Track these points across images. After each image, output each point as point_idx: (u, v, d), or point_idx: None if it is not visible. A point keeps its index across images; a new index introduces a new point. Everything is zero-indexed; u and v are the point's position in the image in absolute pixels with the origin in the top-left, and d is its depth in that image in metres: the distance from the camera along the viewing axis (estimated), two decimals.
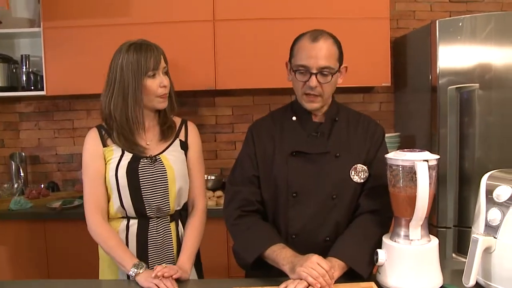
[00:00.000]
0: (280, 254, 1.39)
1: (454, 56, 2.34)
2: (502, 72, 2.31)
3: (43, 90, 2.77)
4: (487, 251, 1.31)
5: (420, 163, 1.30)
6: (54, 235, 2.57)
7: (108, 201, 1.63)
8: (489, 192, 1.36)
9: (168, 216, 1.66)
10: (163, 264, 1.50)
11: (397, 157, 1.36)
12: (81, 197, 2.69)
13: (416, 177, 1.32)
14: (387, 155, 1.40)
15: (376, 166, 1.52)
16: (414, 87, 2.75)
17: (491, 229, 1.32)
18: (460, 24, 2.32)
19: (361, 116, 1.61)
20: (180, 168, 1.66)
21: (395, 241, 1.39)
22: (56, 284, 1.53)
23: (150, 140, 1.66)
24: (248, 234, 1.48)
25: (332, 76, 1.46)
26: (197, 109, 3.16)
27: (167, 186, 1.62)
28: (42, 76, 2.79)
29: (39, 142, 3.14)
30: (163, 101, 1.62)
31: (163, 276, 1.40)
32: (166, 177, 1.62)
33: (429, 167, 1.31)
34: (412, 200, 1.33)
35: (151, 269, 1.50)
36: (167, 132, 1.68)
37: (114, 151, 1.61)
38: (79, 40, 2.71)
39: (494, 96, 2.32)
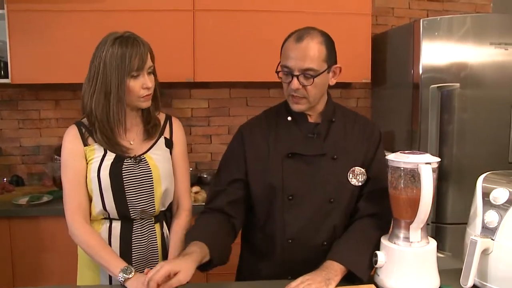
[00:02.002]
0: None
1: (436, 54, 2.40)
2: (479, 70, 2.40)
3: (7, 77, 2.64)
4: (484, 252, 1.36)
5: (424, 166, 1.32)
6: (21, 234, 2.42)
7: (90, 202, 1.58)
8: (486, 195, 1.41)
9: (153, 218, 1.63)
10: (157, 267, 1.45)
11: (399, 159, 1.38)
12: (50, 193, 2.64)
13: (417, 179, 1.35)
14: (389, 157, 1.42)
15: (374, 168, 1.53)
16: (393, 84, 2.81)
17: (488, 231, 1.37)
18: (444, 23, 2.39)
19: (357, 116, 1.60)
20: (165, 167, 1.63)
21: (394, 243, 1.41)
22: None
23: (133, 140, 1.61)
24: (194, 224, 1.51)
25: (314, 78, 1.42)
26: (172, 101, 3.11)
27: (152, 187, 1.58)
28: (6, 63, 2.66)
29: (1, 133, 3.00)
30: (146, 101, 1.57)
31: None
32: (152, 178, 1.58)
33: (432, 170, 1.34)
34: (413, 202, 1.36)
35: (140, 272, 1.47)
36: (151, 131, 1.63)
37: (96, 151, 1.56)
38: (48, 25, 2.59)
39: (470, 94, 2.41)
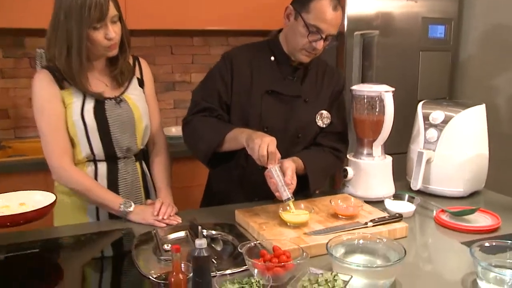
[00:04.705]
0: (241, 130, 1.49)
1: (359, 3, 2.77)
2: (394, 20, 2.84)
3: None
4: (428, 162, 1.77)
5: (387, 93, 1.67)
6: None
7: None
8: (426, 118, 1.82)
9: (133, 156, 1.69)
10: (152, 200, 1.60)
11: (364, 89, 1.72)
12: None
13: (378, 105, 1.69)
14: (354, 87, 1.74)
15: (336, 112, 1.73)
16: None
17: (430, 145, 1.79)
18: None
19: (327, 66, 1.78)
20: (143, 106, 1.70)
21: (360, 158, 1.76)
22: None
23: (102, 88, 1.62)
24: (209, 123, 1.59)
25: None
26: None
27: (135, 125, 1.66)
28: None
29: None
30: (112, 50, 1.55)
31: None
32: (133, 117, 1.65)
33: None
34: (374, 124, 1.71)
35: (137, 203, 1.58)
36: (122, 77, 1.66)
37: (74, 95, 1.56)
38: None
39: (387, 41, 2.83)
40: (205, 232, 1.38)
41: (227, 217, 1.53)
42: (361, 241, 1.21)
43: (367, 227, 1.40)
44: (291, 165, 1.47)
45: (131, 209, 1.52)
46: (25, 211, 1.29)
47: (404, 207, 1.61)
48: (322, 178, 1.69)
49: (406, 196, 1.66)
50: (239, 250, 1.15)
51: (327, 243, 1.17)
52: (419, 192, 1.78)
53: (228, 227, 1.46)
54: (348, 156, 1.79)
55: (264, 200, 1.62)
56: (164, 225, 1.49)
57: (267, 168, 1.41)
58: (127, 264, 1.25)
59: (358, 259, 1.19)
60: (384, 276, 1.09)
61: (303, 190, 1.60)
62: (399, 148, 1.99)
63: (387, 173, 1.76)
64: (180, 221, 1.51)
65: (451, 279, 1.19)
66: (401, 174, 1.89)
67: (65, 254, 1.35)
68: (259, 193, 1.63)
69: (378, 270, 1.10)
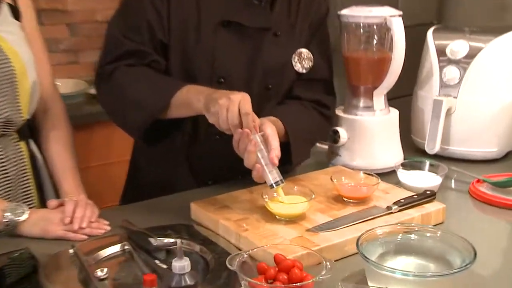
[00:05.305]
0: (193, 89, 1.43)
1: None
2: None
3: None
4: (447, 113, 1.72)
5: (396, 19, 1.57)
6: None
7: None
8: (440, 51, 1.76)
9: (15, 133, 1.60)
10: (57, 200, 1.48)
11: (360, 13, 1.61)
12: None
13: (380, 37, 1.61)
14: (344, 12, 1.64)
15: (317, 49, 1.66)
16: None
17: (449, 89, 1.74)
18: None
19: None
20: (25, 50, 1.58)
21: (356, 114, 1.67)
22: None
23: None
24: (143, 78, 1.51)
25: None
26: None
27: (16, 84, 1.53)
28: None
29: None
30: None
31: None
32: (12, 69, 1.52)
33: None
34: (375, 65, 1.64)
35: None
36: None
37: None
38: None
39: None
40: (153, 241, 1.24)
41: (175, 214, 1.45)
42: (401, 236, 1.15)
43: (391, 212, 1.34)
44: (274, 130, 1.38)
45: (24, 217, 1.38)
46: None
47: (425, 179, 1.56)
48: (308, 147, 1.64)
49: (427, 164, 1.60)
50: (229, 266, 1.03)
51: (357, 241, 1.08)
52: (436, 156, 1.74)
53: (185, 230, 1.34)
54: (337, 112, 1.72)
55: (223, 183, 1.58)
56: (85, 237, 1.35)
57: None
58: None
59: (402, 263, 1.12)
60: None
61: (282, 163, 1.50)
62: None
63: (394, 133, 1.71)
64: (108, 228, 1.40)
65: None
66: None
67: None
68: (216, 173, 1.62)
69: (439, 280, 1.02)
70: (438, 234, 1.14)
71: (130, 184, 1.79)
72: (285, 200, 1.33)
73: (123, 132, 1.57)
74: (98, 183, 2.10)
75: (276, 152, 1.33)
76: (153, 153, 1.69)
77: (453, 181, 1.65)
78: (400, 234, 1.15)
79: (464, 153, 1.77)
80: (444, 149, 1.76)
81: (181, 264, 0.93)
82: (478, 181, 1.58)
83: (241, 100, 1.29)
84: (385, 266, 1.03)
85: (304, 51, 1.62)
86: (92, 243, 1.31)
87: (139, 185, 1.74)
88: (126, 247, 1.26)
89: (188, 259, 0.95)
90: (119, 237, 1.30)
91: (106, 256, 1.25)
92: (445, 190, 1.58)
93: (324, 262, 1.05)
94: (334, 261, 1.11)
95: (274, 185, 1.32)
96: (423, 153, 1.77)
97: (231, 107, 1.27)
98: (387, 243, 1.14)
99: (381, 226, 1.17)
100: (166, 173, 1.66)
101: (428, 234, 1.15)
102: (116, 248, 1.27)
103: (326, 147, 1.77)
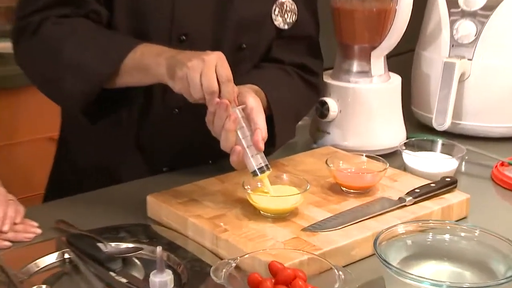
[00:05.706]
0: (150, 49, 1.42)
1: None
2: None
3: None
4: (460, 79, 1.72)
5: None
6: None
7: None
8: (452, 1, 1.76)
9: None
10: None
11: None
12: None
13: None
14: None
15: (300, 1, 1.66)
16: None
17: (461, 49, 1.75)
18: None
19: None
20: None
21: (349, 81, 1.66)
22: None
23: None
24: (82, 34, 1.47)
25: None
26: None
27: None
28: None
29: None
30: None
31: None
32: None
33: None
34: (373, 19, 1.62)
35: None
36: None
37: None
38: None
39: None
40: (103, 247, 1.20)
41: (126, 211, 1.42)
42: (430, 236, 1.14)
43: (405, 205, 1.32)
44: (258, 102, 1.36)
45: None
46: None
47: (437, 162, 1.55)
48: (293, 124, 1.63)
49: (439, 144, 1.60)
50: (215, 279, 0.99)
51: (375, 242, 1.06)
52: (445, 133, 1.76)
53: (143, 231, 1.31)
54: (325, 79, 1.70)
55: (181, 170, 1.58)
56: (8, 244, 1.31)
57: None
58: None
59: (431, 269, 1.11)
60: None
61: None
62: None
63: (395, 105, 1.71)
64: (39, 232, 1.35)
65: None
66: None
67: None
68: (173, 158, 1.62)
69: None
70: (476, 234, 1.12)
71: (57, 170, 1.76)
72: (272, 192, 1.30)
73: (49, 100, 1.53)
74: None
75: (263, 133, 1.31)
76: (89, 130, 1.64)
77: (470, 164, 1.65)
78: (430, 234, 1.14)
79: (481, 129, 1.79)
80: (455, 124, 1.76)
81: (162, 279, 0.89)
82: (502, 164, 1.58)
83: (217, 62, 1.27)
84: (411, 273, 1.00)
85: (286, 1, 1.61)
86: (20, 251, 1.27)
87: (70, 171, 1.72)
88: (66, 256, 1.22)
89: (170, 272, 0.92)
90: (55, 243, 1.26)
91: (41, 269, 1.20)
92: (460, 175, 1.58)
93: (336, 271, 1.02)
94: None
95: (258, 172, 1.29)
96: (428, 130, 1.79)
97: (205, 70, 1.25)
98: (412, 245, 1.13)
99: (404, 223, 1.16)
100: (107, 156, 1.64)
101: (463, 234, 1.13)
102: (53, 258, 1.22)
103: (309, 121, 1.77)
